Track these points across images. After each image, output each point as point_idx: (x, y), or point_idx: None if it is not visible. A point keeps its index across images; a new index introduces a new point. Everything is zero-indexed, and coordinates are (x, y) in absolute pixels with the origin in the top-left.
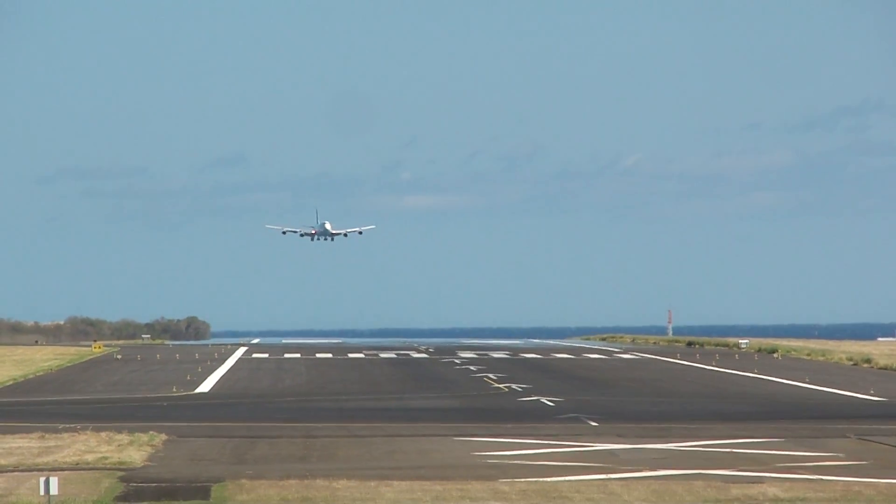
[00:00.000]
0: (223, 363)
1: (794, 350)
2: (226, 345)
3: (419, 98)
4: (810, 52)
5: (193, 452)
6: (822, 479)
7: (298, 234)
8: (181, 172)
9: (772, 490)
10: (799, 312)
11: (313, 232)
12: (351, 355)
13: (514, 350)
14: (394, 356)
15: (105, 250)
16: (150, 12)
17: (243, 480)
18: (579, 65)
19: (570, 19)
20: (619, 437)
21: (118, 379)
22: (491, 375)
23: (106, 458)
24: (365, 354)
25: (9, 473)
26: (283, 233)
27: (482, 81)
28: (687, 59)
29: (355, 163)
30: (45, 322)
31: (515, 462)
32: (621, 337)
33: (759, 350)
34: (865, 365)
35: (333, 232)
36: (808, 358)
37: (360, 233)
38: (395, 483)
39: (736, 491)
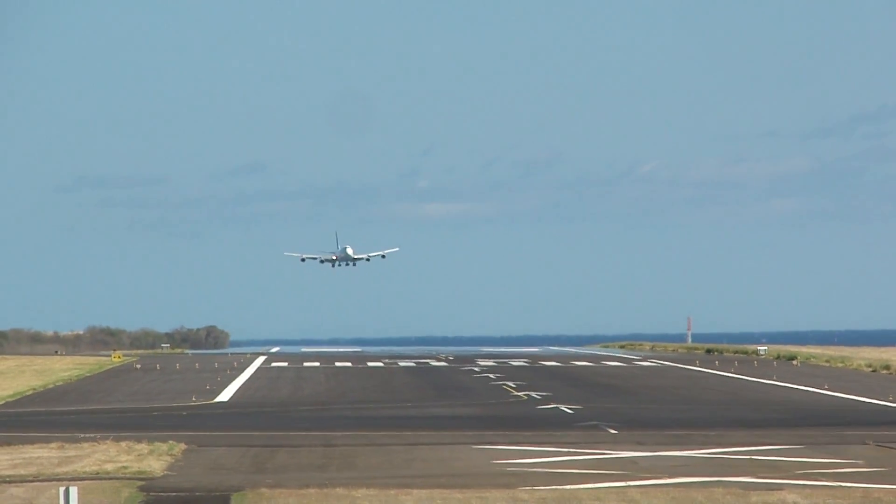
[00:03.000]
0: (242, 372)
1: (813, 357)
2: (245, 354)
3: (437, 106)
4: (827, 58)
5: (213, 461)
6: (841, 486)
7: (319, 260)
8: (200, 181)
9: (791, 497)
10: (817, 319)
11: (334, 258)
12: (370, 364)
13: (534, 358)
14: (413, 364)
15: (124, 259)
16: (169, 22)
17: (263, 489)
18: (596, 72)
19: (586, 27)
20: (639, 445)
21: (137, 388)
22: (510, 383)
23: (126, 467)
24: (384, 363)
25: (28, 483)
26: (303, 260)
27: (499, 89)
28: (704, 66)
29: (373, 171)
30: (65, 332)
31: (535, 470)
32: (640, 344)
33: (778, 357)
34: (885, 371)
35: (355, 257)
36: (827, 365)
37: (384, 256)
38: (415, 491)
39: (755, 498)
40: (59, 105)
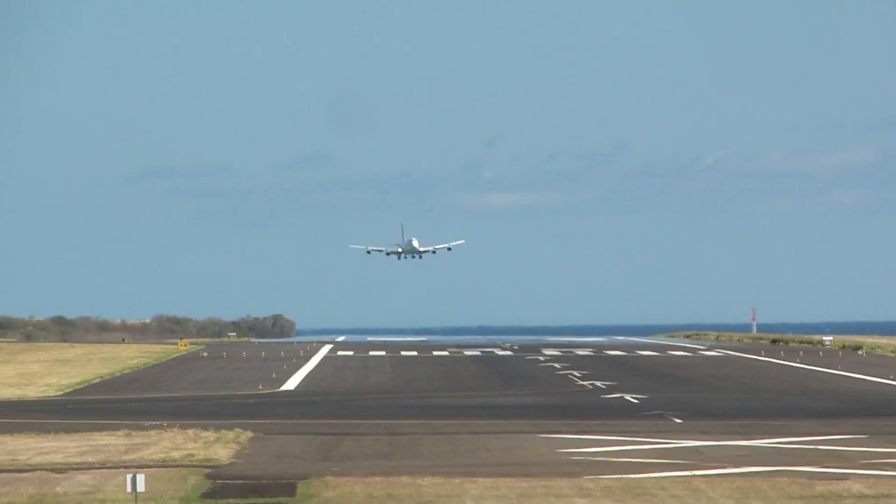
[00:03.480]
0: (308, 361)
1: (879, 347)
2: (311, 343)
3: (501, 97)
4: (892, 48)
5: (279, 449)
6: None
7: (384, 252)
8: (265, 171)
9: (856, 487)
10: (883, 310)
11: (400, 250)
12: (435, 353)
13: (598, 347)
14: (478, 354)
15: (190, 249)
16: (238, 11)
17: (329, 477)
18: (661, 62)
19: (651, 17)
20: (704, 434)
21: (204, 377)
22: (575, 373)
23: (192, 455)
24: (449, 352)
25: (96, 470)
26: (368, 252)
27: (563, 80)
28: (770, 57)
29: (437, 162)
30: (132, 320)
31: (600, 459)
32: (705, 334)
33: (843, 347)
34: None
35: (421, 249)
36: (894, 355)
37: (450, 249)
38: (480, 480)
39: (820, 488)
40: (126, 96)
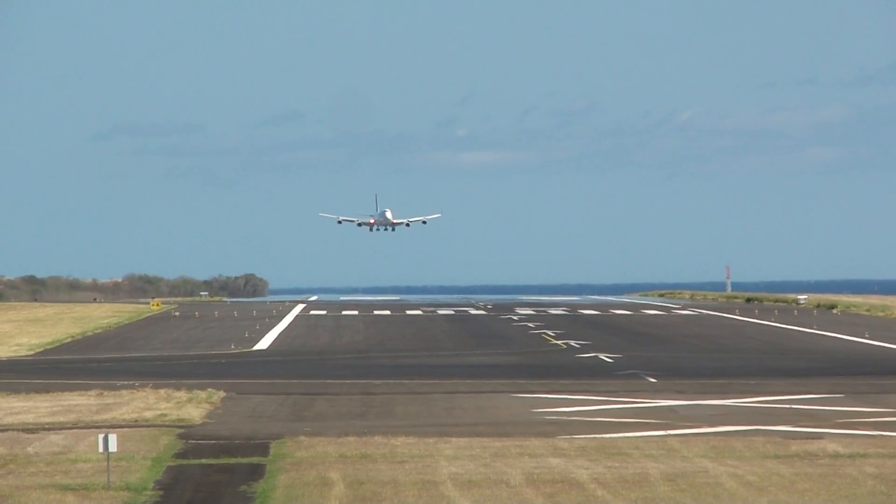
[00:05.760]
0: (281, 320)
1: (854, 305)
2: (283, 302)
3: (473, 54)
4: (866, 4)
5: (252, 409)
6: (882, 435)
7: (356, 223)
8: (237, 129)
9: (832, 446)
10: (857, 268)
11: (372, 222)
12: (409, 312)
13: (572, 306)
14: (452, 313)
15: (162, 208)
16: None
17: (302, 437)
18: (633, 20)
19: None
20: (679, 394)
21: (176, 336)
22: (549, 332)
23: (164, 415)
24: (423, 311)
25: (68, 431)
26: (339, 222)
27: (536, 37)
28: (741, 13)
29: (410, 120)
30: (103, 280)
31: (574, 418)
32: (680, 293)
33: (818, 306)
34: None
35: (395, 221)
36: (868, 314)
37: (424, 222)
38: (454, 440)
39: (795, 447)
40: (95, 53)
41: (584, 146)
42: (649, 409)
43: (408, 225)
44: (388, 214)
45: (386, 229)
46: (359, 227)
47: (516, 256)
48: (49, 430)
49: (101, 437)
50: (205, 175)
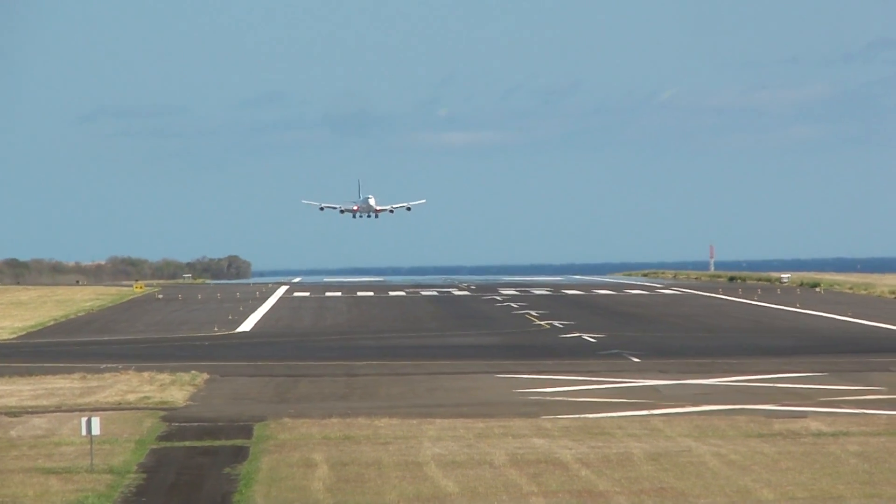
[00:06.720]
0: (264, 302)
1: (837, 284)
2: (267, 284)
3: (455, 34)
4: None
5: (235, 391)
6: (864, 413)
7: (339, 210)
8: (220, 111)
9: (815, 424)
10: (840, 246)
11: (355, 208)
12: (392, 293)
13: (556, 287)
14: (435, 294)
15: (145, 189)
16: None
17: (285, 419)
18: None
19: None
20: (662, 373)
21: (159, 319)
22: (532, 312)
23: (148, 397)
24: (406, 292)
25: (51, 414)
26: (321, 209)
27: (518, 16)
28: None
29: (392, 100)
30: (86, 262)
31: (558, 399)
32: (663, 272)
33: (801, 284)
34: None
35: (378, 208)
36: (851, 292)
37: (409, 209)
38: (437, 421)
39: (779, 426)
40: (78, 35)
41: (567, 126)
42: (633, 389)
43: (391, 211)
44: (372, 201)
45: (369, 216)
46: (341, 215)
47: (499, 237)
48: (32, 413)
49: (84, 420)
50: (188, 157)
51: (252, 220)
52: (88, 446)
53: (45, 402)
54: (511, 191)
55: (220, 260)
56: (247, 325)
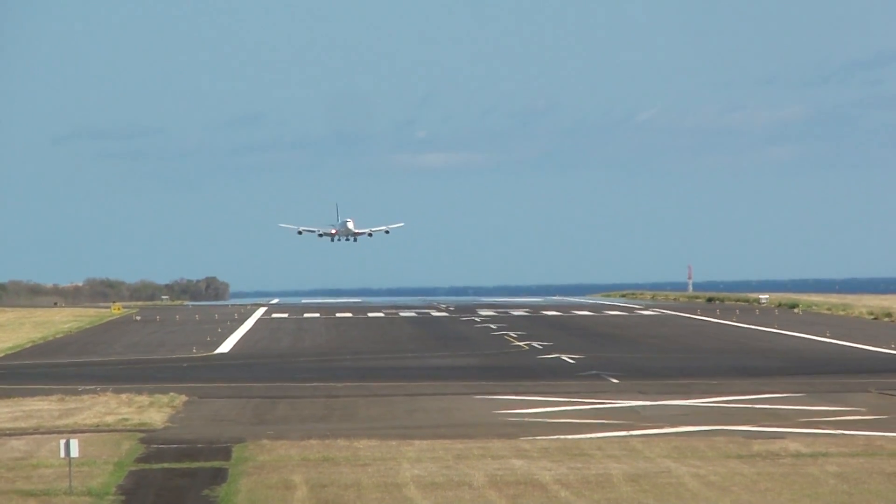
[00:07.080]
0: (243, 324)
1: (815, 305)
2: (245, 305)
3: (433, 55)
4: (824, 5)
5: (214, 413)
6: (843, 434)
7: (317, 233)
8: (197, 132)
9: (793, 445)
10: (818, 267)
11: (333, 232)
12: (371, 314)
13: (534, 308)
14: (414, 315)
15: (122, 211)
16: None
17: (264, 441)
18: (592, 19)
19: None
20: (641, 394)
21: (137, 340)
22: (511, 333)
23: (126, 419)
24: (385, 313)
25: (29, 436)
26: (300, 233)
27: (495, 37)
28: (700, 14)
29: (370, 122)
30: (64, 284)
31: (536, 420)
32: (641, 293)
33: (780, 305)
34: (886, 319)
35: (357, 231)
36: (829, 312)
37: (387, 232)
38: (417, 442)
39: (758, 446)
40: (55, 57)
41: (544, 146)
42: (612, 410)
43: (370, 235)
44: (350, 224)
45: (348, 239)
46: (319, 238)
47: (478, 258)
48: (10, 435)
49: (62, 442)
50: (165, 178)
51: (230, 242)
52: (67, 468)
53: (23, 424)
54: (489, 211)
55: (198, 281)
56: (225, 347)
